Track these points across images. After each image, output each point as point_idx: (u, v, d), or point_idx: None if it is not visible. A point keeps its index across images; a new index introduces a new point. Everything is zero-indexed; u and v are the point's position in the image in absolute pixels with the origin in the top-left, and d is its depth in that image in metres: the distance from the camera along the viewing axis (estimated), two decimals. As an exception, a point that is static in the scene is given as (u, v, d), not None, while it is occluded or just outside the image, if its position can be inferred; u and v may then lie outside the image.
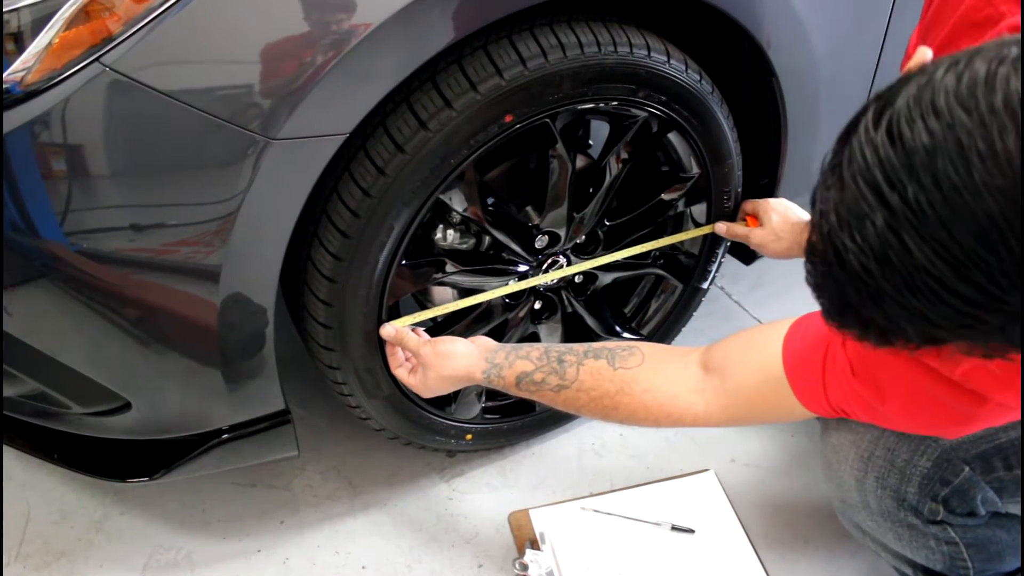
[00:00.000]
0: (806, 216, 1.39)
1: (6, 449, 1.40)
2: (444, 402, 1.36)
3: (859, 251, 0.58)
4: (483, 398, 1.42)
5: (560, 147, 1.19)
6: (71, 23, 0.83)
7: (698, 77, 1.23)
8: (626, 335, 1.51)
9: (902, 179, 0.55)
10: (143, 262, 0.94)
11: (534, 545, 1.37)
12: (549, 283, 1.38)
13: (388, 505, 1.45)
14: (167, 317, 1.01)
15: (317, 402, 1.57)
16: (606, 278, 1.44)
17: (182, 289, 0.98)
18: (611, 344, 1.13)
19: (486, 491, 1.48)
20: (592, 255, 1.39)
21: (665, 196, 1.39)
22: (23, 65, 0.83)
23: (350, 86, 0.92)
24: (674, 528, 1.40)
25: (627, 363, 1.08)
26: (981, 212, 0.53)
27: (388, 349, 1.21)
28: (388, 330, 1.18)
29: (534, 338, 1.45)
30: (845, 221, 0.59)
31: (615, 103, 1.19)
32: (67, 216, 0.89)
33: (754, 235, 1.39)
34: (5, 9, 0.83)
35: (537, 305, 1.42)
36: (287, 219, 0.99)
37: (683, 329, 1.61)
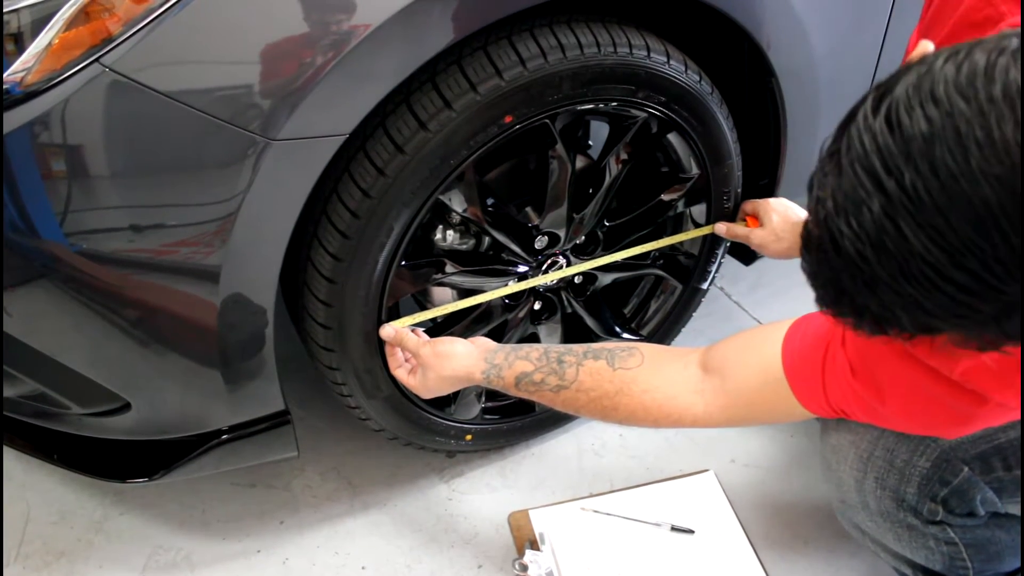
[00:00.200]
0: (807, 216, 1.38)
1: (6, 449, 1.40)
2: (444, 403, 1.36)
3: (855, 237, 0.59)
4: (483, 399, 1.42)
5: (560, 148, 1.19)
6: (71, 24, 0.83)
7: (698, 78, 1.23)
8: (626, 336, 1.51)
9: (899, 166, 0.56)
10: (143, 263, 0.94)
11: (534, 545, 1.37)
12: (549, 284, 1.38)
13: (388, 505, 1.45)
14: (167, 318, 1.01)
15: (317, 403, 1.57)
16: (606, 279, 1.44)
17: (182, 290, 0.98)
18: (610, 345, 1.13)
19: (486, 491, 1.48)
20: (592, 256, 1.39)
21: (665, 197, 1.39)
22: (23, 66, 0.83)
23: (350, 87, 0.92)
24: (674, 529, 1.40)
25: (627, 364, 1.08)
26: (978, 199, 0.53)
27: (388, 350, 1.21)
28: (387, 331, 1.18)
29: (534, 339, 1.45)
30: (842, 207, 0.59)
31: (615, 104, 1.19)
32: (67, 216, 0.89)
33: (754, 235, 1.39)
34: (5, 9, 0.83)
35: (537, 306, 1.42)
36: (287, 220, 0.99)
37: (683, 329, 1.61)
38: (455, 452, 1.53)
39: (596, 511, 1.43)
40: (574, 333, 1.46)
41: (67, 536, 1.38)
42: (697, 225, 1.45)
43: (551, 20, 1.09)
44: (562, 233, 1.31)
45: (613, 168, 1.30)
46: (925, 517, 1.07)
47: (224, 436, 1.16)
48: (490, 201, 1.27)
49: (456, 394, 1.34)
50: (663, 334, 1.58)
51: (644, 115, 1.24)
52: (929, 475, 1.04)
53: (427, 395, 1.22)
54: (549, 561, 1.34)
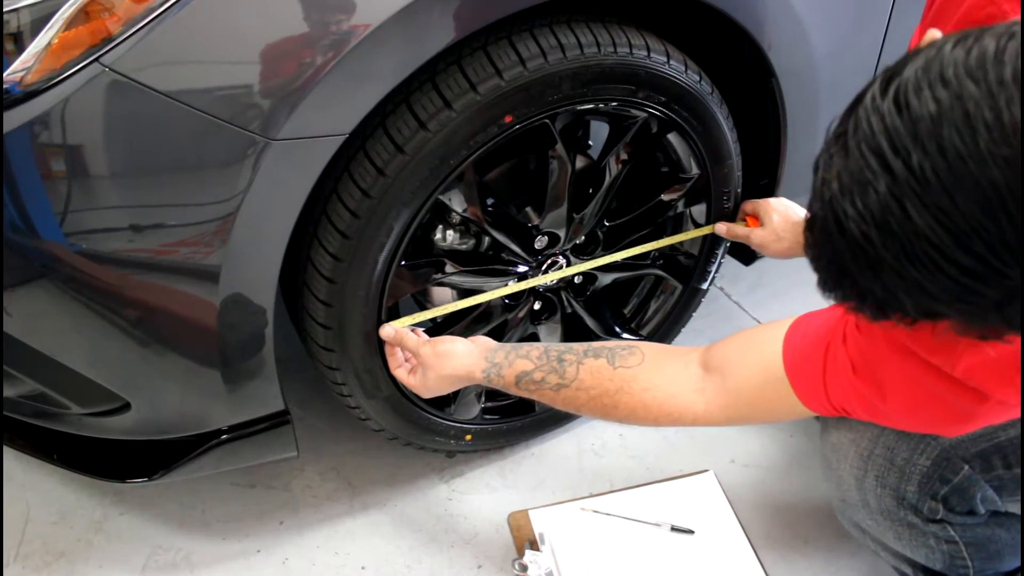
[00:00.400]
0: (807, 215, 1.39)
1: (6, 449, 1.40)
2: (443, 403, 1.36)
3: (859, 218, 0.59)
4: (482, 399, 1.42)
5: (560, 148, 1.19)
6: (71, 23, 0.83)
7: (698, 78, 1.23)
8: (625, 336, 1.51)
9: (907, 146, 0.56)
10: (143, 262, 0.94)
11: (533, 546, 1.37)
12: (548, 284, 1.38)
13: (387, 506, 1.45)
14: (167, 317, 1.01)
15: (316, 403, 1.57)
16: (606, 279, 1.44)
17: (182, 289, 0.98)
18: (611, 343, 1.13)
19: (485, 492, 1.48)
20: (592, 256, 1.39)
21: (665, 197, 1.39)
22: (23, 65, 0.83)
23: (350, 87, 0.92)
24: (674, 529, 1.40)
25: (627, 362, 1.08)
26: (985, 181, 0.53)
27: (387, 349, 1.21)
28: (387, 330, 1.18)
29: (533, 338, 1.45)
30: (847, 188, 0.59)
31: (615, 104, 1.19)
32: (67, 216, 0.89)
33: (754, 235, 1.39)
34: (5, 9, 0.83)
35: (537, 306, 1.42)
36: (287, 219, 0.98)
37: (682, 330, 1.61)
38: (455, 452, 1.53)
39: (596, 511, 1.43)
40: (574, 333, 1.46)
41: (67, 536, 1.38)
42: (697, 225, 1.45)
43: (551, 20, 1.09)
44: (562, 233, 1.31)
45: (613, 168, 1.30)
46: (925, 515, 1.07)
47: (224, 436, 1.16)
48: (490, 201, 1.27)
49: (456, 394, 1.34)
50: (663, 334, 1.58)
51: (644, 115, 1.24)
52: (929, 473, 1.04)
53: (427, 395, 1.21)
54: (549, 561, 1.34)
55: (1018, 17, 0.77)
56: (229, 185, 0.92)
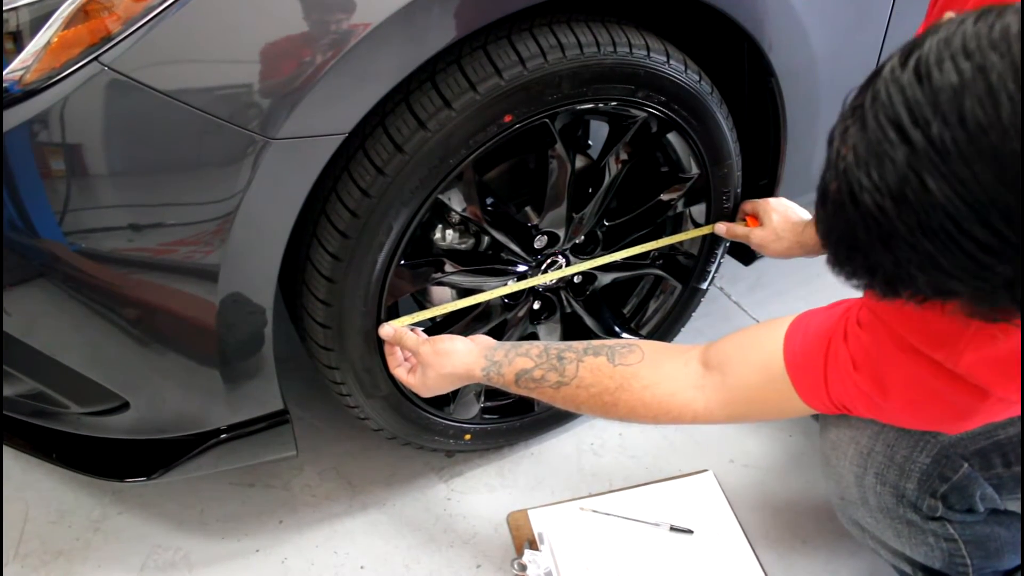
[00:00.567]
0: (807, 215, 1.39)
1: (5, 449, 1.40)
2: (443, 402, 1.36)
3: (875, 189, 0.58)
4: (482, 398, 1.42)
5: (559, 147, 1.19)
6: (70, 22, 0.83)
7: (697, 77, 1.23)
8: (625, 335, 1.51)
9: (927, 116, 0.55)
10: (142, 262, 0.94)
11: (532, 545, 1.37)
12: (548, 283, 1.38)
13: (386, 505, 1.45)
14: (166, 317, 1.01)
15: (315, 402, 1.57)
16: (605, 278, 1.44)
17: (181, 289, 0.98)
18: (611, 341, 1.13)
19: (484, 491, 1.48)
20: (591, 255, 1.39)
21: (664, 196, 1.39)
22: (22, 64, 0.83)
23: (349, 86, 0.92)
24: (673, 528, 1.40)
25: (627, 360, 1.08)
26: (1006, 152, 0.53)
27: (387, 349, 1.21)
28: (387, 330, 1.18)
29: (533, 338, 1.45)
30: (863, 159, 0.59)
31: (614, 103, 1.19)
32: (66, 216, 0.89)
33: (754, 235, 1.39)
34: (4, 8, 0.83)
35: (536, 305, 1.42)
36: (286, 219, 0.98)
37: (682, 329, 1.61)
38: (454, 452, 1.52)
39: (595, 511, 1.43)
40: (573, 333, 1.46)
41: (65, 535, 1.38)
42: (697, 225, 1.45)
43: (551, 20, 1.09)
44: (561, 233, 1.31)
45: (613, 168, 1.30)
46: (925, 513, 1.07)
47: (223, 435, 1.16)
48: (489, 200, 1.27)
49: (455, 393, 1.34)
50: (662, 334, 1.58)
51: (644, 115, 1.24)
52: (929, 471, 1.04)
53: (427, 394, 1.21)
54: (548, 561, 1.34)
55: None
56: (228, 184, 0.91)
